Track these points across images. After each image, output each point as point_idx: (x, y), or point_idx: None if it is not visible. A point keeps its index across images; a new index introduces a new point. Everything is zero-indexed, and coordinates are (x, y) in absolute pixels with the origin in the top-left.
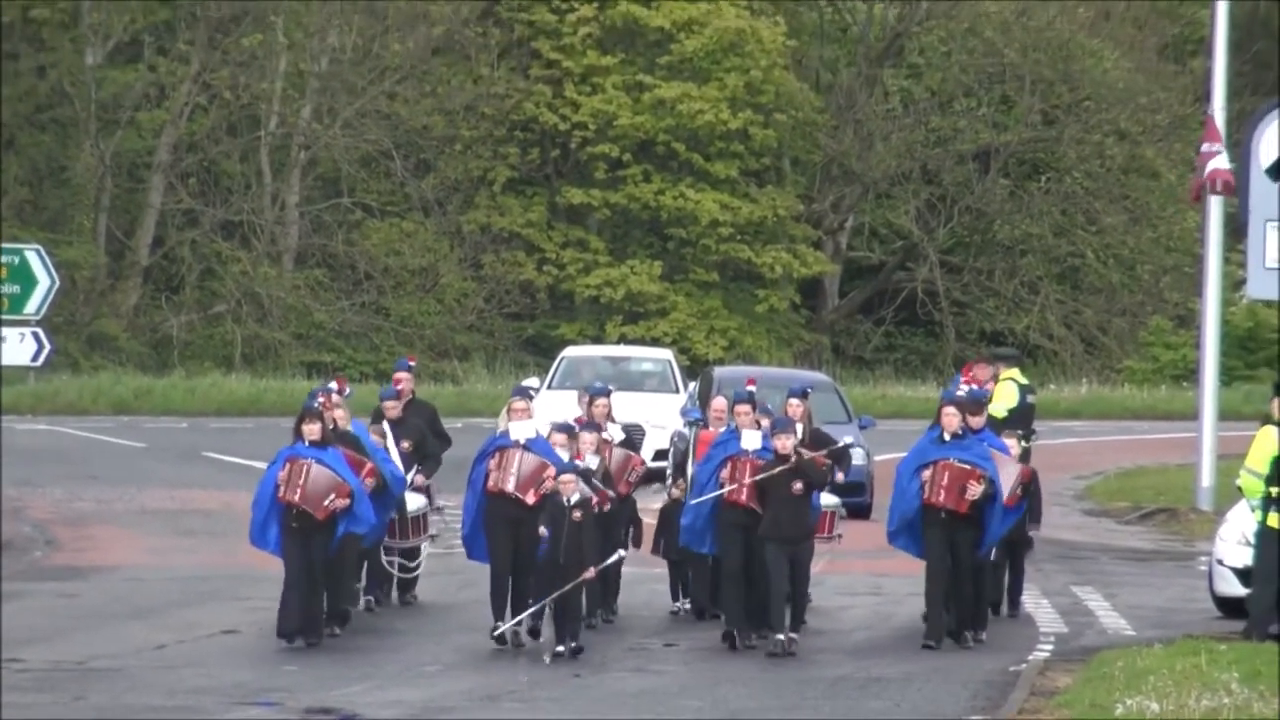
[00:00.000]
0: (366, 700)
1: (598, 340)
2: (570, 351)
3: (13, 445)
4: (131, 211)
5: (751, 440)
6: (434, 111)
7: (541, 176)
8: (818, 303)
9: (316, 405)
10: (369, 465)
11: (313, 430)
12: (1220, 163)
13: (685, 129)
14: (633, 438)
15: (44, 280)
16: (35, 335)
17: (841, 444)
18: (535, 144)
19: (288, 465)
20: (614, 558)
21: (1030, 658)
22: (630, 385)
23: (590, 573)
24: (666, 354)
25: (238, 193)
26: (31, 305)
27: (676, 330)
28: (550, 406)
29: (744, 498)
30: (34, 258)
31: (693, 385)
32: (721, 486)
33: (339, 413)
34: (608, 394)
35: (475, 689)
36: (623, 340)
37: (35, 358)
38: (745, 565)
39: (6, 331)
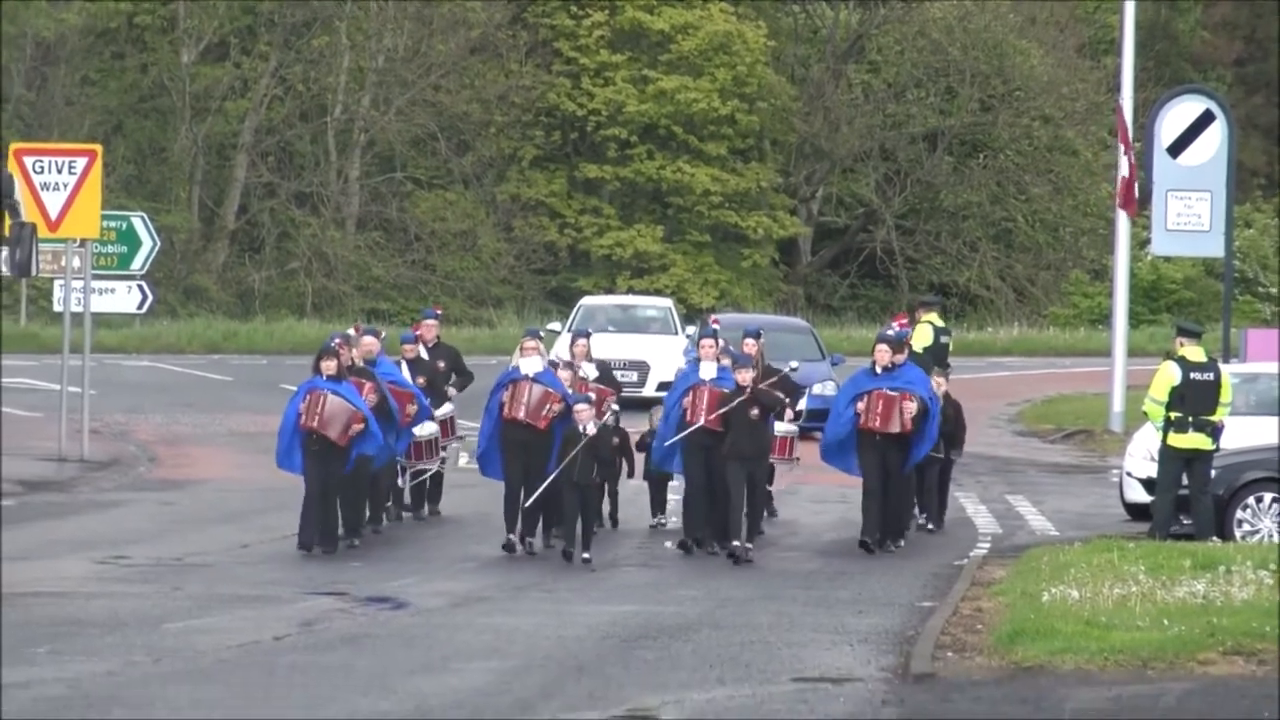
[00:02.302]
0: (417, 591)
1: (610, 291)
2: (587, 300)
3: (121, 379)
4: (220, 184)
5: (709, 370)
6: (472, 101)
7: (562, 155)
8: (793, 259)
9: (333, 345)
10: (369, 385)
11: (329, 366)
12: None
13: (683, 115)
14: (610, 372)
15: (147, 242)
16: (140, 288)
17: (786, 369)
18: (557, 128)
19: (308, 397)
20: (608, 416)
21: (971, 554)
22: (637, 329)
23: (591, 428)
24: (667, 302)
25: (308, 169)
26: (136, 263)
27: (676, 283)
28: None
29: (706, 422)
30: (139, 223)
31: (692, 329)
32: (685, 412)
33: (374, 345)
34: (587, 336)
35: (505, 582)
36: (631, 291)
37: (140, 306)
38: (708, 482)
39: (116, 284)
